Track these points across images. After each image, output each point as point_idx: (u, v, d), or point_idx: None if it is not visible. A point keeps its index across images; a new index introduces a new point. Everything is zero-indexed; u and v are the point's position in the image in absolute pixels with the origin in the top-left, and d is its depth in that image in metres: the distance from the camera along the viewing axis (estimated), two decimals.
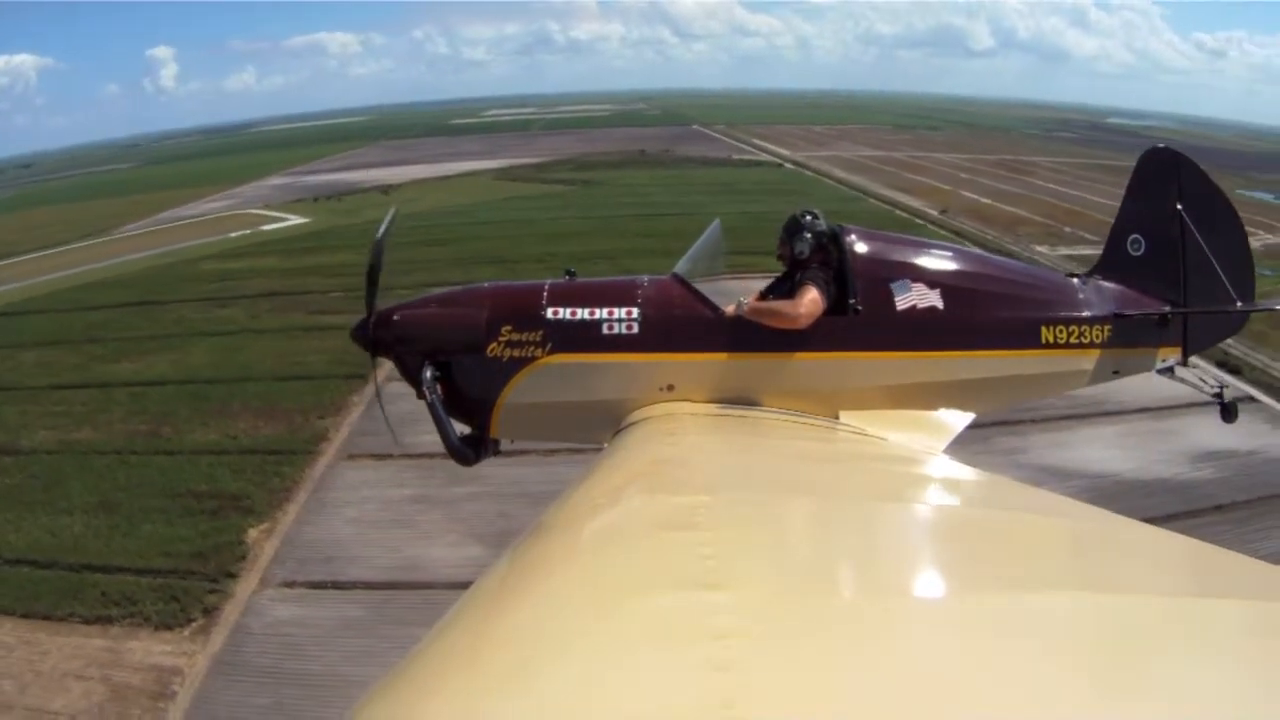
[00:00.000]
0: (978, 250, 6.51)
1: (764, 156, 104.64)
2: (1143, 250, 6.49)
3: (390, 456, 24.58)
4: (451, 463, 6.23)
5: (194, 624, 17.97)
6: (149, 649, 17.40)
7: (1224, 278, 6.26)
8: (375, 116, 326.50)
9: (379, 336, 6.10)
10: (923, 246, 6.30)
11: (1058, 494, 4.40)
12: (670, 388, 5.58)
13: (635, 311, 5.69)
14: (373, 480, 23.57)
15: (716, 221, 6.56)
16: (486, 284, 6.36)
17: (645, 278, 6.02)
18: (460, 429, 6.07)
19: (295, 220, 71.42)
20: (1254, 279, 6.51)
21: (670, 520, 2.66)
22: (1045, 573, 2.62)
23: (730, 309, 5.70)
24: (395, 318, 6.11)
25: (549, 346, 5.68)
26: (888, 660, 1.75)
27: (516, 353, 5.70)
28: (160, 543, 21.22)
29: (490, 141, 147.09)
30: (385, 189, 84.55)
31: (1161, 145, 6.60)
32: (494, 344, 5.74)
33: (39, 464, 27.53)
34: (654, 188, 75.39)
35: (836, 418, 5.62)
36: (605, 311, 5.70)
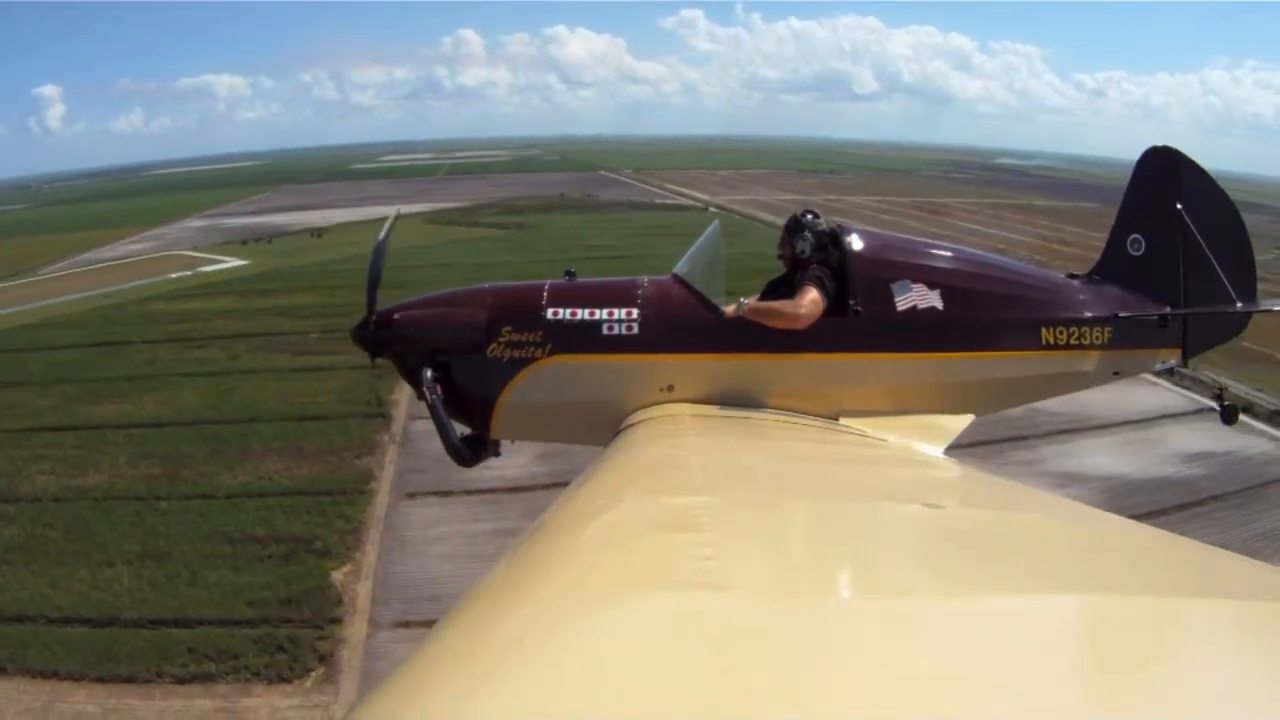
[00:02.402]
0: (978, 250, 6.32)
1: (685, 200, 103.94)
2: (1142, 250, 6.20)
3: (452, 493, 23.00)
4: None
5: (314, 673, 16.02)
6: (273, 704, 15.35)
7: (1224, 278, 5.98)
8: (269, 161, 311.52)
9: (380, 336, 5.70)
10: (923, 247, 6.03)
11: (1056, 494, 4.28)
12: (670, 388, 5.30)
13: (635, 312, 5.41)
14: (445, 517, 21.90)
15: (715, 223, 6.31)
16: (486, 284, 6.01)
17: (645, 278, 5.74)
18: (461, 429, 5.75)
19: (233, 262, 66.81)
20: (1255, 279, 6.23)
21: (670, 521, 2.53)
22: (1044, 573, 2.52)
23: (730, 309, 5.42)
24: (396, 318, 5.73)
25: (549, 347, 5.39)
26: (888, 661, 1.66)
27: (517, 353, 5.40)
28: (236, 591, 18.93)
29: (399, 186, 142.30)
30: (316, 232, 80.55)
31: (1160, 145, 6.32)
32: (494, 344, 5.43)
33: (49, 513, 24.24)
34: (590, 231, 74.74)
35: (837, 418, 5.39)
36: (605, 312, 5.42)
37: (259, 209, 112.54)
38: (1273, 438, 28.10)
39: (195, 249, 74.83)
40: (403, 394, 31.75)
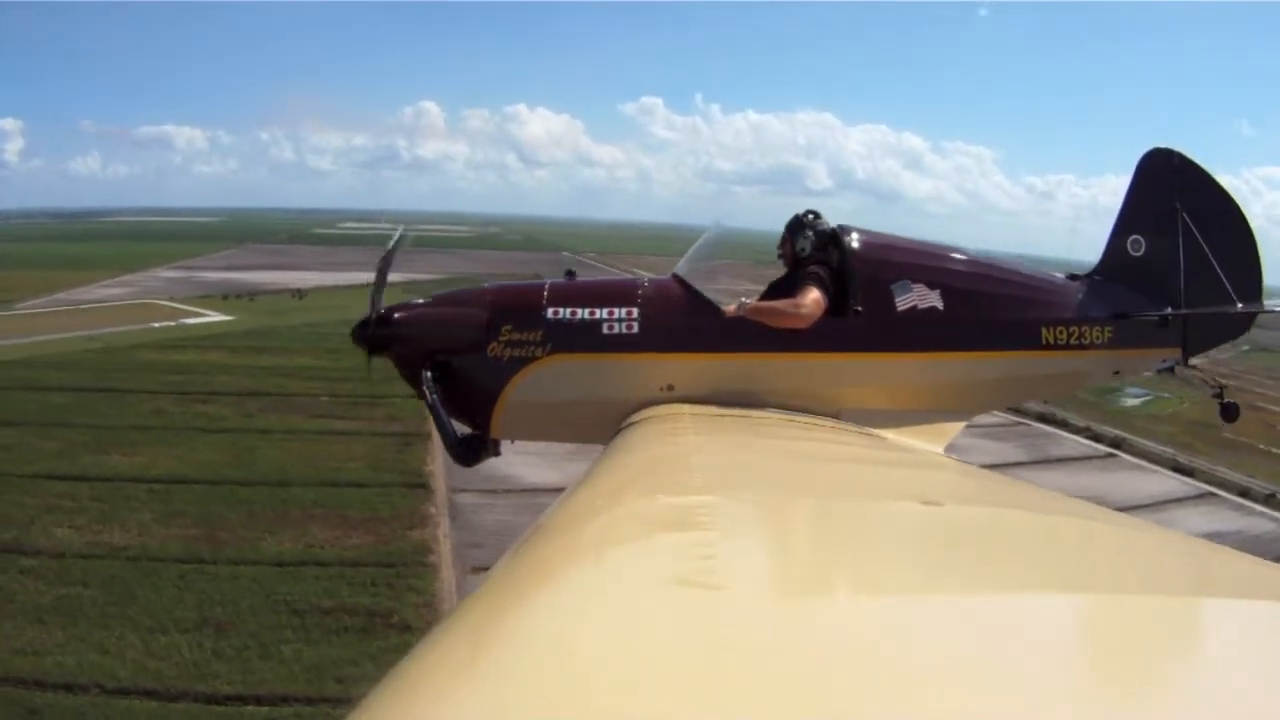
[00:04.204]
0: (978, 251, 6.18)
1: None
2: (1143, 251, 6.05)
3: None
4: None
5: None
6: None
7: (1225, 279, 5.83)
8: (226, 217, 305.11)
9: (380, 335, 5.55)
10: (924, 247, 5.89)
11: (1057, 493, 4.35)
12: (670, 388, 5.18)
13: (635, 311, 5.30)
14: None
15: (717, 221, 6.26)
16: (487, 284, 5.94)
17: (646, 278, 5.71)
18: (461, 429, 5.61)
19: (216, 316, 64.33)
20: (1261, 280, 6.01)
21: (670, 520, 2.52)
22: (1044, 570, 2.51)
23: (731, 309, 5.30)
24: (396, 317, 5.60)
25: (549, 346, 5.26)
26: (888, 660, 1.66)
27: (517, 352, 5.28)
28: (318, 667, 17.46)
29: (366, 253, 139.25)
30: (298, 294, 78.53)
31: (1162, 147, 6.14)
32: (494, 344, 5.30)
33: (78, 569, 22.18)
34: None
35: (837, 418, 5.25)
36: (605, 311, 5.30)
37: (229, 265, 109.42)
38: (1273, 519, 29.75)
39: (173, 299, 71.85)
40: (438, 464, 30.65)
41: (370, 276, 5.71)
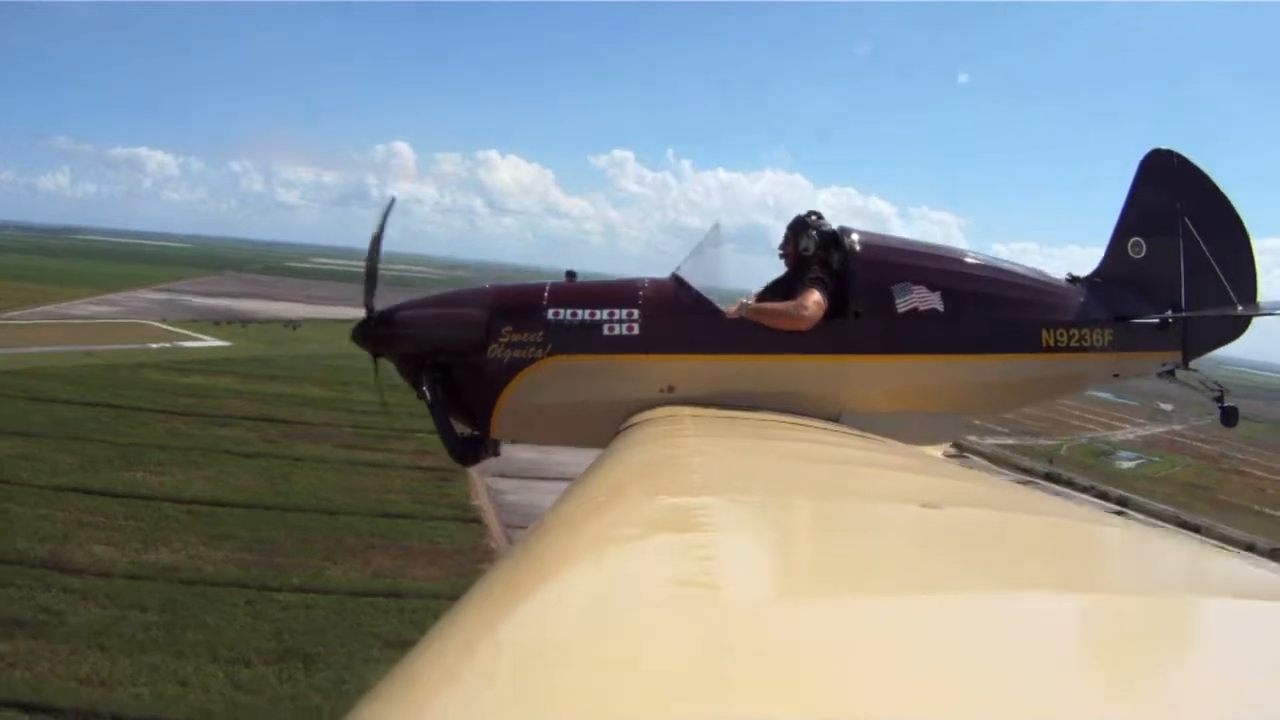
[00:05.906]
0: (979, 253, 6.12)
1: None
2: (1143, 253, 6.01)
3: None
4: None
5: None
6: None
7: (1225, 281, 5.80)
8: (195, 245, 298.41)
9: (380, 335, 5.40)
10: (924, 250, 5.86)
11: (1055, 497, 4.29)
12: (670, 389, 5.13)
13: (636, 313, 5.23)
14: None
15: (717, 224, 6.16)
16: (488, 285, 5.78)
17: (646, 279, 5.58)
18: (462, 429, 5.50)
19: (213, 342, 61.95)
20: (1257, 283, 6.01)
21: (670, 521, 2.49)
22: (1043, 573, 2.47)
23: (732, 310, 5.24)
24: (397, 317, 5.47)
25: (549, 347, 5.18)
26: (888, 661, 1.65)
27: (517, 353, 5.19)
28: None
29: (344, 289, 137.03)
30: (292, 324, 76.37)
31: (1163, 148, 6.06)
32: (494, 344, 5.21)
33: (131, 592, 20.37)
34: None
35: (837, 419, 5.19)
36: (606, 313, 5.22)
37: (211, 291, 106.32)
38: None
39: (164, 321, 69.23)
40: (484, 499, 29.33)
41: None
